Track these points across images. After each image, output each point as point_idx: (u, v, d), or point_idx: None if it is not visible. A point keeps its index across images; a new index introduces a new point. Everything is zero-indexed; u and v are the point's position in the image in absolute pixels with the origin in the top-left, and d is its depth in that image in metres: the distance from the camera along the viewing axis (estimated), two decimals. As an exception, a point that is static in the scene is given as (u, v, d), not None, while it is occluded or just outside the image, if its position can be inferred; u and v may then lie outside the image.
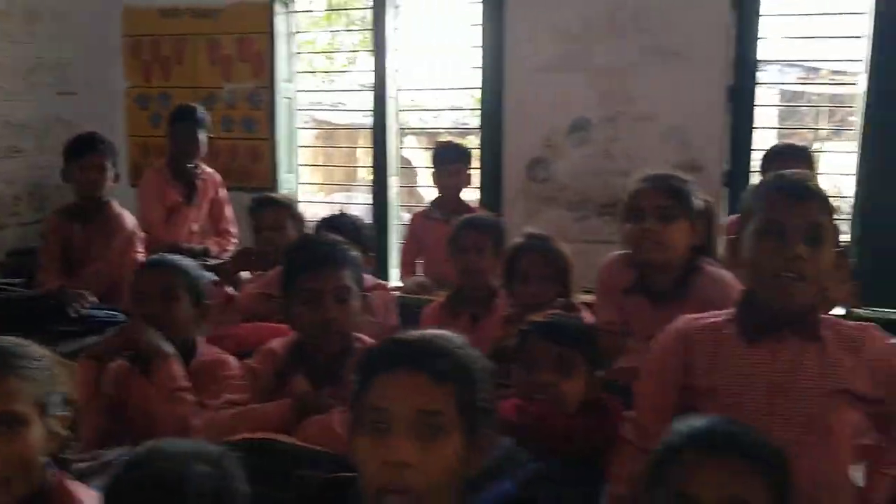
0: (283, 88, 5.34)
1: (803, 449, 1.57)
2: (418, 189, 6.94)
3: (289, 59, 5.43)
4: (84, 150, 3.61)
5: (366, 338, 2.12)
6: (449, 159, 4.08)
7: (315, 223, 3.26)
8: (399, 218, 5.40)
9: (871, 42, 4.28)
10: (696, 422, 1.35)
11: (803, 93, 6.56)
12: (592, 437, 1.73)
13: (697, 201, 2.29)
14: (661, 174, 2.34)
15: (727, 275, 2.26)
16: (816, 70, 6.28)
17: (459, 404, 1.23)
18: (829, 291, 2.37)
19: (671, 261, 2.26)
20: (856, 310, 4.31)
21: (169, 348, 2.20)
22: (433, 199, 4.23)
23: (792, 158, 3.12)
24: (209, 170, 4.32)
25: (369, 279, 2.68)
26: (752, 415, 1.59)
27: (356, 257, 2.15)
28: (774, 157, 3.18)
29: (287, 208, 3.39)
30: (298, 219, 3.41)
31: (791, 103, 5.58)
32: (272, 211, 3.35)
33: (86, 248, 3.67)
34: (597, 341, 1.97)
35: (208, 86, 5.37)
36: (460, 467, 1.24)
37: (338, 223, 3.06)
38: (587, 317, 2.39)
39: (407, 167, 6.05)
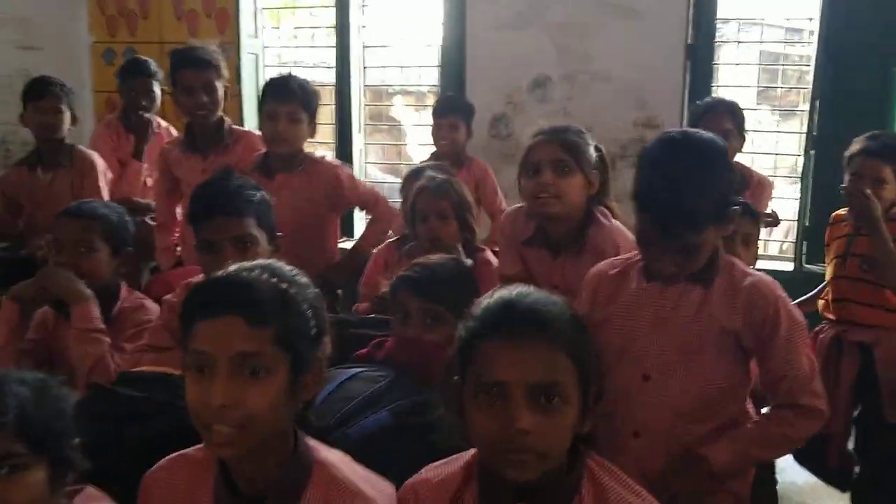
0: (248, 44, 5.35)
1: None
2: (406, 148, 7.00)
3: (255, 15, 5.44)
4: (38, 94, 3.59)
5: None
6: (444, 112, 4.03)
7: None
8: (365, 175, 5.45)
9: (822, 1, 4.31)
10: (489, 299, 1.32)
11: (785, 54, 6.57)
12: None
13: (592, 153, 2.33)
14: (556, 128, 2.34)
15: (618, 226, 2.31)
16: (799, 31, 6.28)
17: (281, 341, 1.26)
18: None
19: (567, 213, 2.27)
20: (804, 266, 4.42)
21: (86, 291, 2.25)
22: (431, 153, 4.19)
23: (719, 114, 3.13)
24: (164, 124, 4.33)
25: None
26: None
27: (262, 200, 2.14)
28: (704, 111, 3.18)
29: (215, 67, 3.25)
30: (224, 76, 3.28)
31: (768, 64, 5.56)
32: (197, 71, 3.20)
33: (49, 192, 3.62)
34: (468, 291, 1.96)
35: (174, 41, 5.38)
36: (288, 398, 1.29)
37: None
38: (475, 261, 2.49)
39: (388, 125, 6.06)
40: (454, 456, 1.40)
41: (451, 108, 4.02)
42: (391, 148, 6.14)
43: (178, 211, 3.47)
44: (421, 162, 4.25)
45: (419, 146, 5.91)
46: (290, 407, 1.31)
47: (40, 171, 3.67)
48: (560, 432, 1.25)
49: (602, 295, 1.87)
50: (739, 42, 4.86)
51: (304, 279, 1.37)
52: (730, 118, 3.13)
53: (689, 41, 4.57)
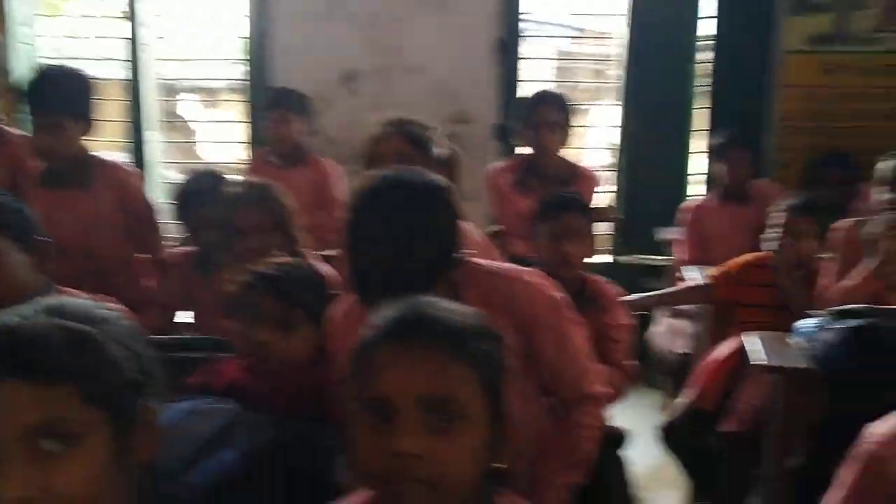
0: (19, 33, 4.74)
1: None
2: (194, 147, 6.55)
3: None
4: None
5: None
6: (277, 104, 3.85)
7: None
8: (162, 175, 5.02)
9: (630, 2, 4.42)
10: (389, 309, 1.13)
11: (577, 53, 6.80)
12: (321, 394, 1.58)
13: (441, 150, 2.18)
14: (400, 119, 2.20)
15: (470, 229, 2.19)
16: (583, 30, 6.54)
17: (91, 399, 0.98)
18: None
19: None
20: (618, 257, 4.55)
21: None
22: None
23: (551, 105, 3.10)
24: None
25: None
26: None
27: None
28: (535, 103, 3.14)
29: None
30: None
31: (561, 59, 5.70)
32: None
33: None
34: (324, 297, 1.81)
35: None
36: (116, 464, 1.02)
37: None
38: (323, 268, 2.27)
39: (173, 122, 5.62)
40: (343, 499, 1.17)
41: (279, 102, 3.84)
42: (180, 147, 5.72)
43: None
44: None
45: (212, 145, 5.59)
46: (122, 475, 1.03)
47: None
48: (460, 459, 1.03)
49: None
50: (547, 36, 4.91)
51: (106, 312, 1.07)
52: (561, 111, 3.11)
53: (498, 35, 4.56)
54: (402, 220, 1.42)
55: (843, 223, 2.73)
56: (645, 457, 3.25)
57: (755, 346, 2.41)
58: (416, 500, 1.01)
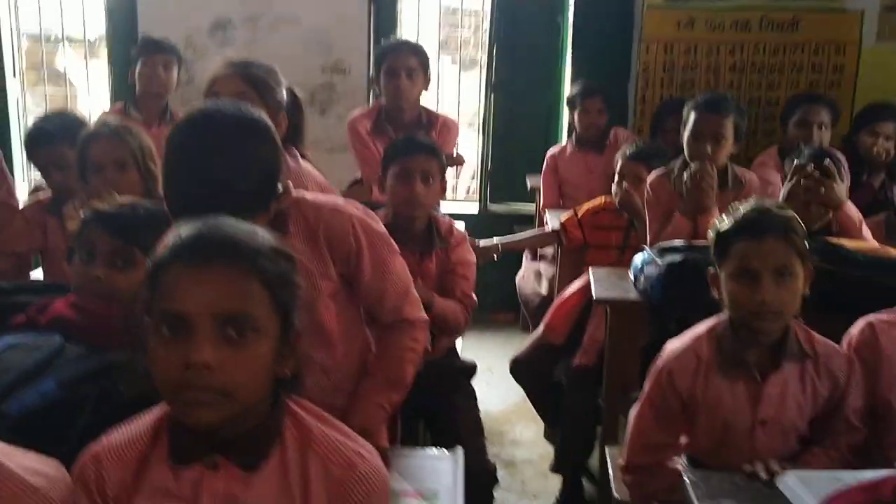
0: None
1: None
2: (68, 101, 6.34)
3: None
4: None
5: None
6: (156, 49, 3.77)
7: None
8: (25, 125, 4.84)
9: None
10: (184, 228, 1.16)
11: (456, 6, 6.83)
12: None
13: (283, 93, 2.18)
14: (241, 61, 2.17)
15: (309, 169, 2.23)
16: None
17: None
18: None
19: None
20: (490, 205, 4.67)
21: None
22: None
23: (404, 53, 3.16)
24: None
25: None
26: None
27: None
28: (387, 50, 3.19)
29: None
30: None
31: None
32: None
33: None
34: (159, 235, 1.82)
35: None
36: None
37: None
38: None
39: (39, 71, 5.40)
40: (143, 413, 1.22)
41: (156, 47, 3.79)
42: (60, 99, 5.52)
43: None
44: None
45: (86, 98, 5.41)
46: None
47: None
48: (249, 369, 1.11)
49: None
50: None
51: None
52: (415, 57, 3.16)
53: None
54: (209, 149, 1.46)
55: (652, 175, 2.91)
56: (509, 392, 3.43)
57: (596, 282, 2.56)
58: (205, 407, 1.08)
